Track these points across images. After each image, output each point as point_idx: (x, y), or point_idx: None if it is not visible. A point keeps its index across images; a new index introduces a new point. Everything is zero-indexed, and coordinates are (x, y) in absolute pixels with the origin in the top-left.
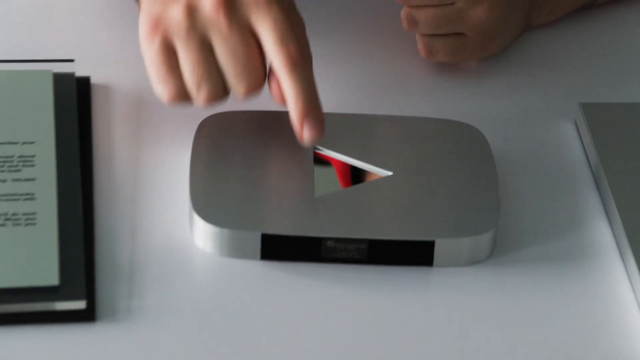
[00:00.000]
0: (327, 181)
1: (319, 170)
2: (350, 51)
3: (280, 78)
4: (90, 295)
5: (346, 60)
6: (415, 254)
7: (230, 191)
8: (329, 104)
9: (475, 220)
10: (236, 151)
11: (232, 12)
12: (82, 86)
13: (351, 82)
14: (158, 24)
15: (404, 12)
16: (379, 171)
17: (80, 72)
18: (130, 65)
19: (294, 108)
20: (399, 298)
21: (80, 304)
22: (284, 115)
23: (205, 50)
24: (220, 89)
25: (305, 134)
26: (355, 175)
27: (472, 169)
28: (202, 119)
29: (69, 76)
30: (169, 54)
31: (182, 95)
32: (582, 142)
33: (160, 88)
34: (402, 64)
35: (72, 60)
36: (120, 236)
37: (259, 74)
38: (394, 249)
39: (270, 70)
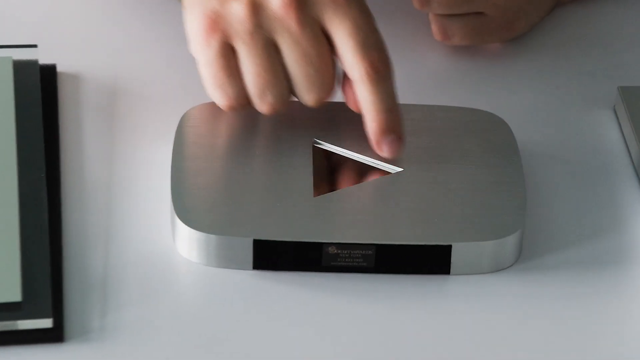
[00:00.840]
0: (329, 179)
1: (318, 167)
2: None
3: (359, 89)
4: (57, 312)
5: None
6: (429, 260)
7: (217, 192)
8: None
9: (499, 221)
10: (224, 147)
11: (304, 9)
12: (47, 75)
13: None
14: (217, 23)
15: None
16: (387, 167)
17: (44, 60)
18: (101, 51)
19: (373, 123)
20: (412, 311)
21: (47, 322)
22: None
23: (271, 53)
24: (286, 96)
25: (385, 149)
26: (361, 172)
27: (494, 163)
28: (185, 110)
29: (32, 64)
30: (229, 56)
31: (243, 102)
32: (621, 131)
33: (218, 94)
34: (414, 48)
35: (35, 46)
36: (92, 245)
37: (331, 81)
38: (405, 255)
39: (344, 74)
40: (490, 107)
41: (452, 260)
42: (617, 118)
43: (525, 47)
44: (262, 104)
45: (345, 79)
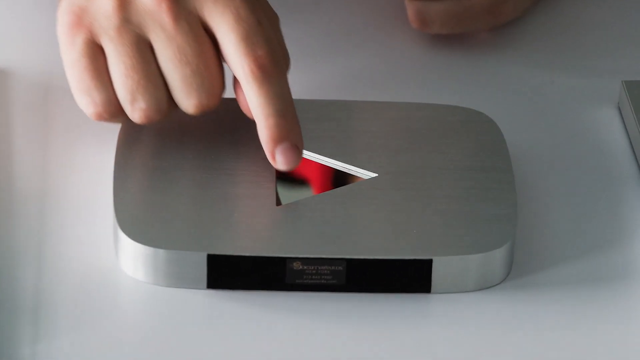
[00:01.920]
0: (293, 186)
1: (282, 173)
2: (325, 23)
3: (246, 90)
4: None
5: (320, 35)
6: (407, 277)
7: (166, 201)
8: (298, 88)
9: (486, 232)
10: (173, 149)
11: (179, 2)
12: None
13: (327, 62)
14: (81, 19)
15: None
16: (360, 172)
17: None
18: (36, 46)
19: (264, 129)
20: (388, 334)
21: None
22: (235, 103)
23: (143, 52)
24: (162, 102)
25: (278, 159)
26: (329, 178)
27: (481, 167)
28: None
29: None
30: (95, 56)
31: (112, 109)
32: (626, 131)
33: (84, 101)
34: (388, 38)
35: None
36: (22, 261)
37: (215, 83)
38: (380, 271)
39: (235, 78)
40: (476, 105)
41: (433, 277)
42: (621, 116)
43: (515, 35)
44: (134, 111)
45: (235, 80)
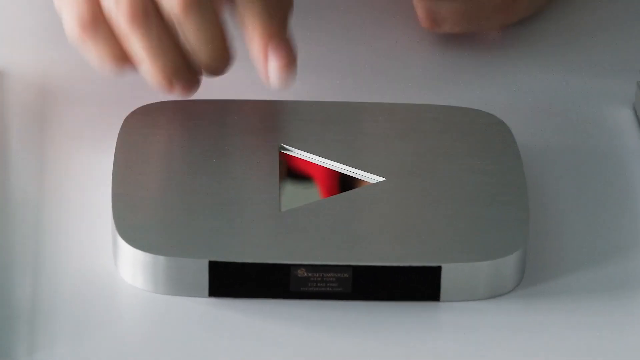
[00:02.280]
0: (298, 190)
1: (286, 177)
2: (332, 23)
3: (236, 9)
4: None
5: (327, 35)
6: (416, 284)
7: (166, 207)
8: (302, 89)
9: (497, 238)
10: (174, 154)
11: None
12: None
13: (333, 63)
14: None
15: None
16: (366, 176)
17: None
18: (32, 47)
19: (252, 35)
20: (395, 344)
21: None
22: (236, 105)
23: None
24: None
25: (271, 67)
26: (335, 182)
27: (492, 171)
28: (128, 112)
29: None
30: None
31: (95, 9)
32: None
33: (67, 8)
34: (397, 38)
35: None
36: (19, 269)
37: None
38: (387, 278)
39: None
40: (486, 106)
41: (442, 285)
42: (637, 118)
43: (527, 35)
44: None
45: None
